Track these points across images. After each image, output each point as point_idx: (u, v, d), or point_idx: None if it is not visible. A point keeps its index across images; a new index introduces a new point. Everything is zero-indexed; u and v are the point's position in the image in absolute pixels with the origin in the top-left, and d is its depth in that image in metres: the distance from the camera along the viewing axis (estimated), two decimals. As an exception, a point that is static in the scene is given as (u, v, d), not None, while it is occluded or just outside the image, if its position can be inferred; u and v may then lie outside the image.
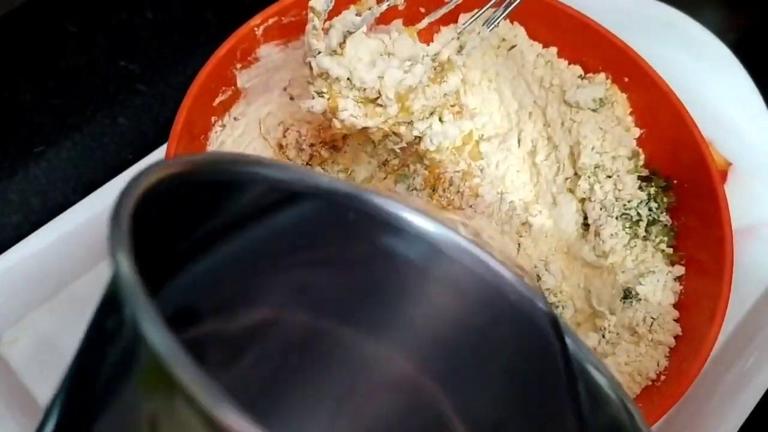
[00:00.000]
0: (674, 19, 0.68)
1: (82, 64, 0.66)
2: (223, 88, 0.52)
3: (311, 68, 0.48)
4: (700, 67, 0.60)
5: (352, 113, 0.48)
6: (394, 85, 0.48)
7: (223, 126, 0.53)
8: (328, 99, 0.48)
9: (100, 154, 0.62)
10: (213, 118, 0.52)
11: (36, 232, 0.53)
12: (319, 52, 0.47)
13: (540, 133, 0.59)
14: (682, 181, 0.52)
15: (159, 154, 0.57)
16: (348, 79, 0.47)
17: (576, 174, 0.56)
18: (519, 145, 0.59)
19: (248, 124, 0.56)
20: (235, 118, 0.54)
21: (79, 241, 0.54)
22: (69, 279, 0.55)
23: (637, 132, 0.55)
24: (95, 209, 0.54)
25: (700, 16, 0.68)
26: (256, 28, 0.52)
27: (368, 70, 0.48)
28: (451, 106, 0.54)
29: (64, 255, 0.54)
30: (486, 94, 0.60)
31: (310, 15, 0.47)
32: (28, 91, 0.64)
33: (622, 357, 0.49)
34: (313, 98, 0.49)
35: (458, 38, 0.52)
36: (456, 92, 0.53)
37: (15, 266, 0.52)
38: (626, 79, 0.54)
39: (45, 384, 0.50)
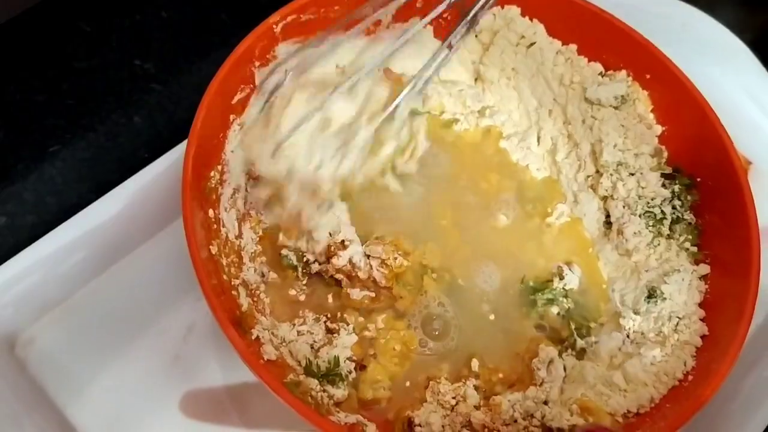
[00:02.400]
0: (693, 18, 0.68)
1: (97, 65, 0.66)
2: (242, 86, 0.51)
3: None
4: (718, 66, 0.60)
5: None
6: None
7: (241, 125, 0.52)
8: None
9: (116, 153, 0.62)
10: (231, 117, 0.51)
11: (51, 232, 0.53)
12: None
13: (560, 131, 0.59)
14: (706, 178, 0.52)
15: (175, 153, 0.56)
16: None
17: (598, 172, 0.56)
18: (539, 143, 0.59)
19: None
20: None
21: (94, 240, 0.54)
22: (85, 279, 0.55)
23: (659, 129, 0.55)
24: (111, 209, 0.54)
25: (718, 14, 0.68)
26: (274, 26, 0.51)
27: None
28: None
29: (80, 255, 0.53)
30: (504, 91, 0.60)
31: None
32: (43, 92, 0.64)
33: (647, 357, 0.49)
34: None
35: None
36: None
37: (31, 267, 0.52)
38: (648, 76, 0.54)
39: (60, 384, 0.51)
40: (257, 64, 0.52)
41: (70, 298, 0.55)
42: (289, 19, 0.52)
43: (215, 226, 0.49)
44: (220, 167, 0.50)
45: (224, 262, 0.49)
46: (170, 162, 0.56)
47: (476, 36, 0.58)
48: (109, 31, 0.68)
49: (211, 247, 0.47)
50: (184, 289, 0.55)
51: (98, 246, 0.54)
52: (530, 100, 0.59)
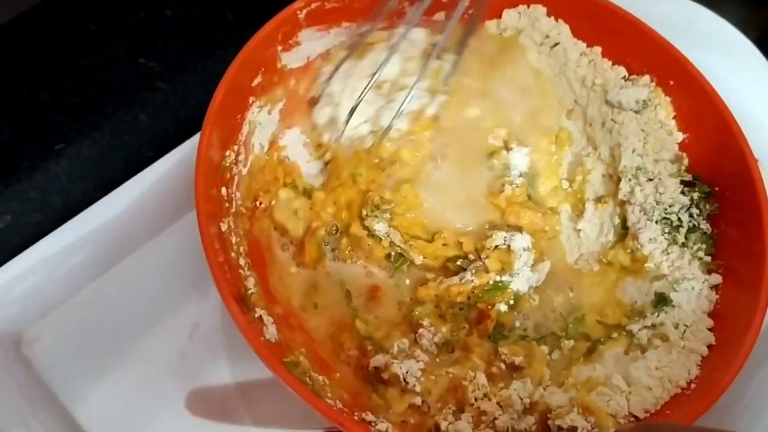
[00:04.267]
0: (698, 15, 0.68)
1: (102, 63, 0.66)
2: (262, 69, 0.51)
3: None
4: (724, 64, 0.59)
5: None
6: None
7: (261, 107, 0.52)
8: None
9: (121, 151, 0.62)
10: (251, 99, 0.51)
11: (57, 231, 0.52)
12: None
13: (580, 132, 0.58)
14: (724, 188, 0.52)
15: (181, 150, 0.56)
16: None
17: (616, 176, 0.55)
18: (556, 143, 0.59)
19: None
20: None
21: (100, 238, 0.53)
22: (91, 277, 0.55)
23: (680, 136, 0.55)
24: (116, 207, 0.54)
25: (723, 13, 0.68)
26: (298, 12, 0.51)
27: None
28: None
29: (85, 253, 0.53)
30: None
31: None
32: (48, 90, 0.63)
33: (652, 362, 0.49)
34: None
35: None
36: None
37: (36, 264, 0.51)
38: (671, 83, 0.54)
39: (66, 382, 0.52)
40: (280, 48, 0.52)
41: (75, 295, 0.54)
42: (313, 5, 0.52)
43: (227, 204, 0.49)
44: (236, 147, 0.50)
45: (233, 240, 0.48)
46: (176, 160, 0.56)
47: (500, 34, 0.58)
48: (114, 30, 0.68)
49: (221, 224, 0.47)
50: (190, 287, 0.55)
51: (104, 244, 0.54)
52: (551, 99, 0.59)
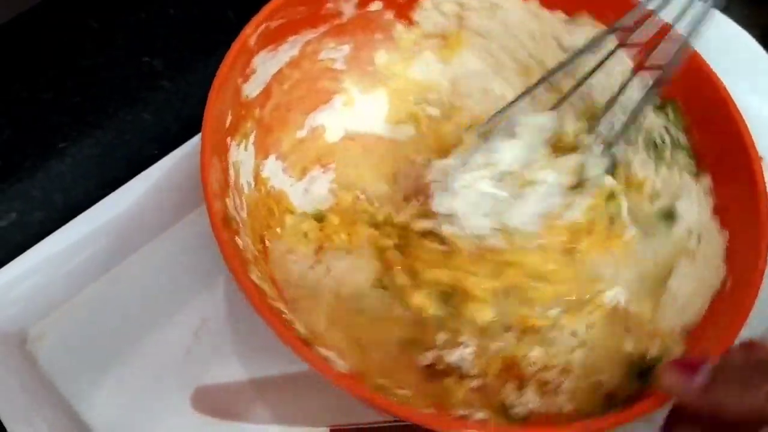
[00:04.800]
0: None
1: (104, 61, 0.66)
2: (231, 107, 0.50)
3: None
4: (724, 60, 0.59)
5: None
6: None
7: (238, 145, 0.51)
8: None
9: (123, 150, 0.62)
10: (228, 140, 0.50)
11: (60, 230, 0.53)
12: None
13: (543, 86, 0.58)
14: (688, 99, 0.52)
15: (185, 149, 0.56)
16: None
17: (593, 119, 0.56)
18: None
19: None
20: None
21: (103, 237, 0.54)
22: (94, 275, 0.55)
23: (630, 61, 0.55)
24: (119, 206, 0.54)
25: (725, 10, 0.68)
26: (249, 39, 0.50)
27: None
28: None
29: (89, 251, 0.53)
30: (477, 64, 0.60)
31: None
32: (51, 89, 0.64)
33: (683, 278, 0.50)
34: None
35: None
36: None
37: (40, 263, 0.51)
38: (611, 16, 0.54)
39: (71, 380, 0.52)
40: (240, 81, 0.50)
41: (80, 293, 0.55)
42: (261, 28, 0.50)
43: (247, 254, 0.48)
44: (231, 194, 0.49)
45: (266, 288, 0.47)
46: (179, 158, 0.56)
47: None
48: (116, 28, 0.68)
49: (251, 275, 0.46)
50: (194, 285, 0.55)
51: (107, 242, 0.54)
52: (509, 63, 0.60)
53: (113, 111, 0.64)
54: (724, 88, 0.51)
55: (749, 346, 0.36)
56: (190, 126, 0.56)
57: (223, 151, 0.49)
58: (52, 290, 0.53)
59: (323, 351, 0.45)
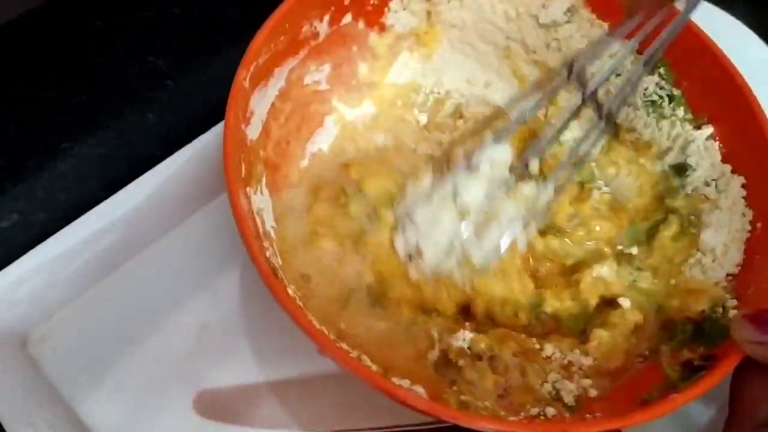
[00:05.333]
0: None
1: (109, 61, 0.64)
2: (242, 156, 0.47)
3: None
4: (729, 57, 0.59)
5: None
6: None
7: (255, 192, 0.49)
8: None
9: (127, 150, 0.60)
10: (247, 190, 0.48)
11: (63, 230, 0.51)
12: None
13: (527, 63, 0.58)
14: (675, 53, 0.52)
15: (189, 149, 0.55)
16: None
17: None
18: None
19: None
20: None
21: (107, 238, 0.52)
22: (97, 277, 0.53)
23: (605, 25, 0.55)
24: (123, 206, 0.52)
25: (731, 9, 0.67)
26: (244, 81, 0.47)
27: None
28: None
29: (92, 252, 0.52)
30: (457, 56, 0.60)
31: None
32: (54, 88, 0.62)
33: (712, 226, 0.51)
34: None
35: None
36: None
37: (42, 264, 0.50)
38: None
39: (73, 382, 0.50)
40: (243, 126, 0.48)
41: (82, 295, 0.53)
42: (252, 68, 0.48)
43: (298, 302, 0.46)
44: (265, 243, 0.47)
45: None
46: (184, 159, 0.54)
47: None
48: (120, 28, 0.67)
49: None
50: (198, 287, 0.54)
51: (110, 243, 0.53)
52: (485, 48, 0.59)
53: (117, 111, 0.62)
54: (707, 36, 0.50)
55: None
56: (193, 126, 0.55)
57: (249, 205, 0.47)
58: (54, 292, 0.51)
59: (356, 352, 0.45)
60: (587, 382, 0.48)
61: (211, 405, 0.51)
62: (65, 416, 0.49)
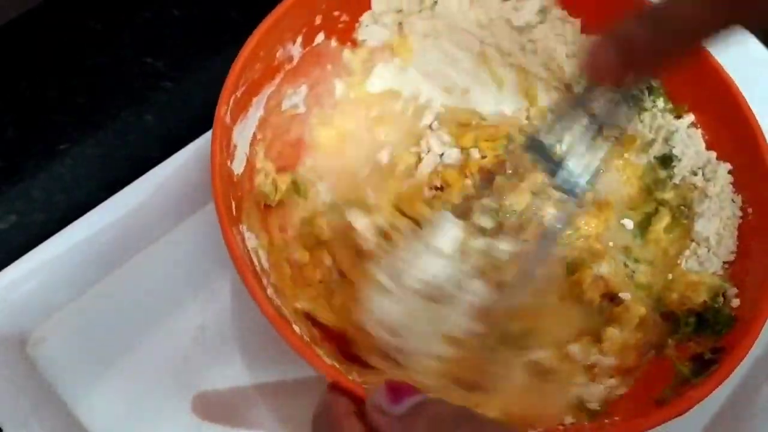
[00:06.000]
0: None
1: (107, 62, 0.62)
2: (231, 193, 0.46)
3: None
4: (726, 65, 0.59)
5: None
6: None
7: (248, 231, 0.48)
8: None
9: (126, 151, 0.59)
10: (240, 227, 0.47)
11: (62, 231, 0.50)
12: None
13: (503, 66, 0.57)
14: None
15: (187, 151, 0.54)
16: None
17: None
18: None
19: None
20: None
21: (105, 239, 0.51)
22: (96, 278, 0.52)
23: (578, 22, 0.54)
24: (121, 208, 0.51)
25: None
26: (225, 117, 0.46)
27: None
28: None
29: (90, 254, 0.50)
30: (433, 65, 0.58)
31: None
32: (53, 89, 0.61)
33: (704, 216, 0.52)
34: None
35: None
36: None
37: (41, 265, 0.49)
38: None
39: (71, 383, 0.49)
40: (229, 162, 0.47)
41: (80, 296, 0.51)
42: (232, 102, 0.46)
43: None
44: (264, 280, 0.46)
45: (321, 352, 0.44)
46: (182, 161, 0.53)
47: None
48: (120, 29, 0.65)
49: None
50: (195, 289, 0.52)
51: (108, 245, 0.51)
52: (461, 54, 0.58)
53: (115, 112, 0.60)
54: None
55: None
56: (192, 127, 0.53)
57: (243, 242, 0.45)
58: (53, 293, 0.50)
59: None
60: (612, 382, 0.47)
61: (208, 407, 0.50)
62: (62, 418, 0.48)
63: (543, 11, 0.54)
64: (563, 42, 0.54)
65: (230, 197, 0.44)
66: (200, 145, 0.53)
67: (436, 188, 0.55)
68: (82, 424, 0.48)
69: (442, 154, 0.56)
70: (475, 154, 0.56)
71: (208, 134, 0.51)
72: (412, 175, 0.56)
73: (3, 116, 0.59)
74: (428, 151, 0.56)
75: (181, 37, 0.66)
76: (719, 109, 0.49)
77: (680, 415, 0.38)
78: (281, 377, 0.50)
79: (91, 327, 0.51)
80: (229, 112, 0.45)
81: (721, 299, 0.46)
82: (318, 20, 0.51)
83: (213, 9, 0.68)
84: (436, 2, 0.55)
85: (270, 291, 0.43)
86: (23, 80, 0.61)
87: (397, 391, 0.33)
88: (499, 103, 0.59)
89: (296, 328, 0.41)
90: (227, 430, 0.49)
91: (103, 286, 0.53)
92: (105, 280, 0.53)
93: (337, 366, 0.41)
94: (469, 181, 0.54)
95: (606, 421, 0.43)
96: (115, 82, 0.63)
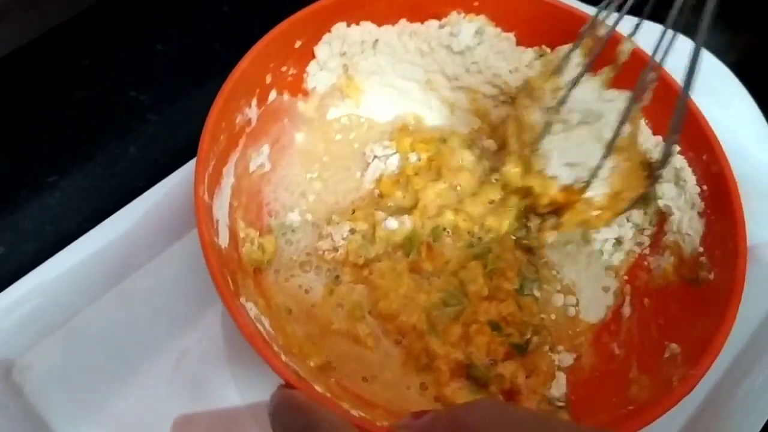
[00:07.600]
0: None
1: (94, 96, 0.64)
2: (229, 268, 0.46)
3: None
4: (700, 87, 0.60)
5: None
6: None
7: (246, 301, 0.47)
8: None
9: (112, 182, 0.60)
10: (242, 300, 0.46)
11: (50, 260, 0.51)
12: None
13: (451, 90, 0.59)
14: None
15: (171, 180, 0.55)
16: None
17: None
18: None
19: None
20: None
21: (91, 268, 0.51)
22: (82, 306, 0.52)
23: (512, 36, 0.56)
24: (107, 237, 0.52)
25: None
26: (203, 196, 0.45)
27: None
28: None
29: (78, 282, 0.51)
30: (383, 98, 0.60)
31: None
32: (42, 122, 0.62)
33: (690, 225, 0.52)
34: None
35: None
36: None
37: (29, 293, 0.49)
38: (476, 3, 0.55)
39: (58, 410, 0.49)
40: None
41: (67, 323, 0.52)
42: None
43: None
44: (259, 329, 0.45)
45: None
46: (166, 190, 0.54)
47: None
48: (104, 64, 0.67)
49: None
50: (181, 316, 0.53)
51: (96, 273, 0.52)
52: (409, 85, 0.59)
53: (101, 144, 0.62)
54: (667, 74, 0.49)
55: None
56: (175, 158, 0.54)
57: (246, 314, 0.44)
58: (40, 320, 0.50)
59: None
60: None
61: (196, 430, 0.50)
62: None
63: (479, 32, 0.55)
64: (503, 58, 0.56)
65: (226, 274, 0.43)
66: (184, 174, 0.54)
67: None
68: (68, 451, 0.47)
69: (387, 160, 0.58)
70: (413, 158, 0.58)
71: (191, 163, 0.54)
72: (361, 183, 0.58)
73: (-4, 148, 0.59)
74: (373, 158, 0.58)
75: (164, 70, 0.68)
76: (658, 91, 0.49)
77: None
78: (265, 398, 0.50)
79: (79, 354, 0.51)
80: (205, 190, 0.45)
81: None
82: (268, 79, 0.52)
83: (196, 42, 0.70)
84: (377, 40, 0.56)
85: (283, 357, 0.42)
86: (13, 114, 0.63)
87: (420, 413, 0.36)
88: (454, 126, 0.61)
89: (319, 388, 0.41)
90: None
91: (91, 313, 0.53)
92: (92, 307, 0.53)
93: (363, 414, 0.42)
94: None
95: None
96: (101, 115, 0.65)
